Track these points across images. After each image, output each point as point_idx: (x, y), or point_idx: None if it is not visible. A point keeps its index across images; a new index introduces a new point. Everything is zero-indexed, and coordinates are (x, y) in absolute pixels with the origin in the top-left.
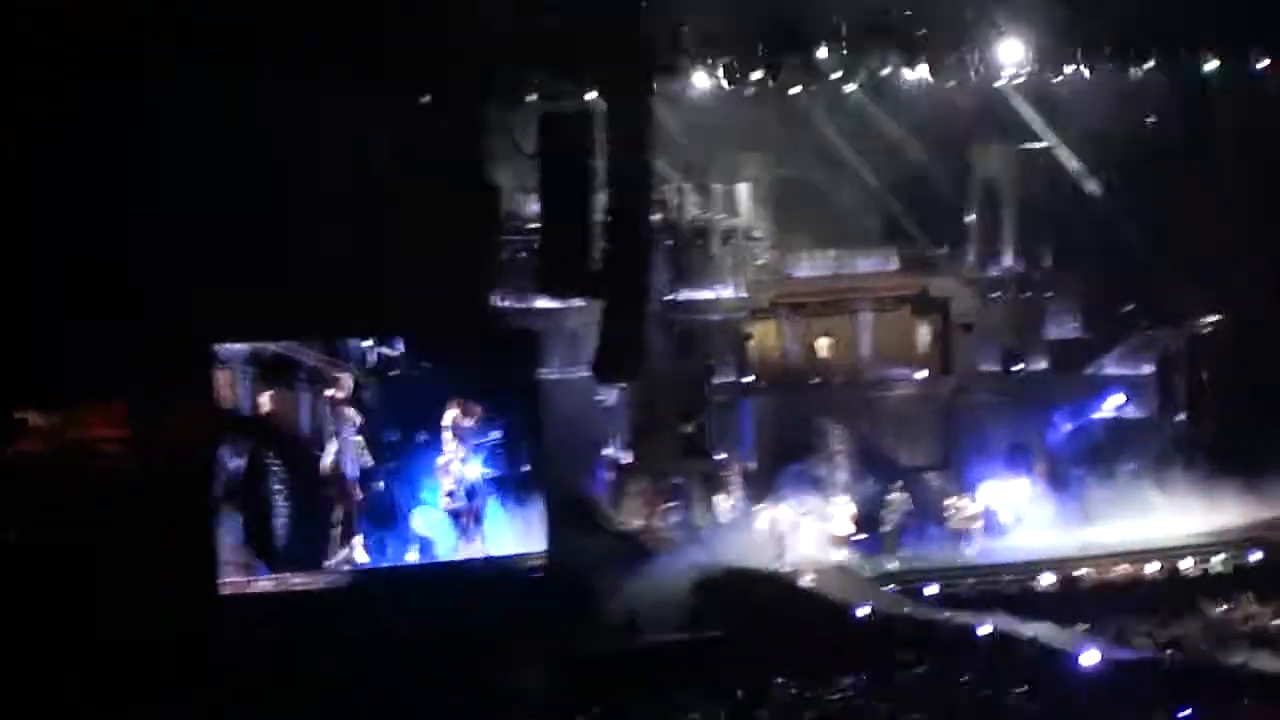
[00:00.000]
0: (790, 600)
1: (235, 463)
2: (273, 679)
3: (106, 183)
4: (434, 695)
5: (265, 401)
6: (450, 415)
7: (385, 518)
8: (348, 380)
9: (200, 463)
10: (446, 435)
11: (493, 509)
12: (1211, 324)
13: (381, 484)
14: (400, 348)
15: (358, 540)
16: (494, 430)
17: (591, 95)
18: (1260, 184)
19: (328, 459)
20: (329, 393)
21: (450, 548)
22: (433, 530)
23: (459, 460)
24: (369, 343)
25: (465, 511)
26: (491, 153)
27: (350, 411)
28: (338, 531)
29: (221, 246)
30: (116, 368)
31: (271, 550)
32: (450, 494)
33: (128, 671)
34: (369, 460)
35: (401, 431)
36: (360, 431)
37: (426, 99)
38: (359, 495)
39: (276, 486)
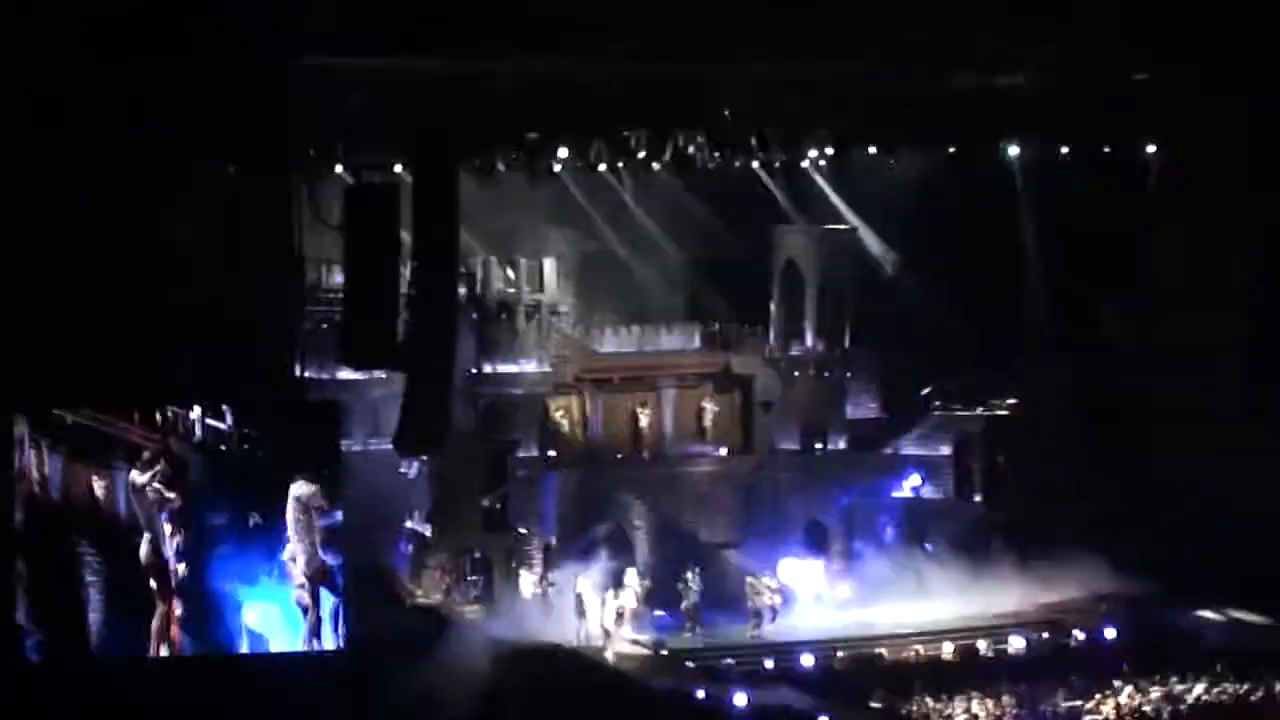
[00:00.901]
0: (587, 677)
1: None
2: None
3: None
4: None
5: (96, 486)
6: (296, 489)
7: (209, 614)
8: (158, 457)
9: None
10: (291, 515)
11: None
12: (1009, 408)
13: (206, 574)
14: (230, 421)
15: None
16: (336, 511)
17: (399, 168)
18: (1059, 270)
19: (144, 547)
20: (134, 474)
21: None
22: (268, 627)
23: (304, 544)
24: (195, 415)
25: (311, 604)
26: (298, 224)
27: (166, 493)
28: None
29: (20, 315)
30: None
31: (81, 652)
32: (300, 584)
33: None
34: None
35: (230, 513)
36: (180, 514)
37: (232, 171)
38: (178, 588)
39: (90, 578)
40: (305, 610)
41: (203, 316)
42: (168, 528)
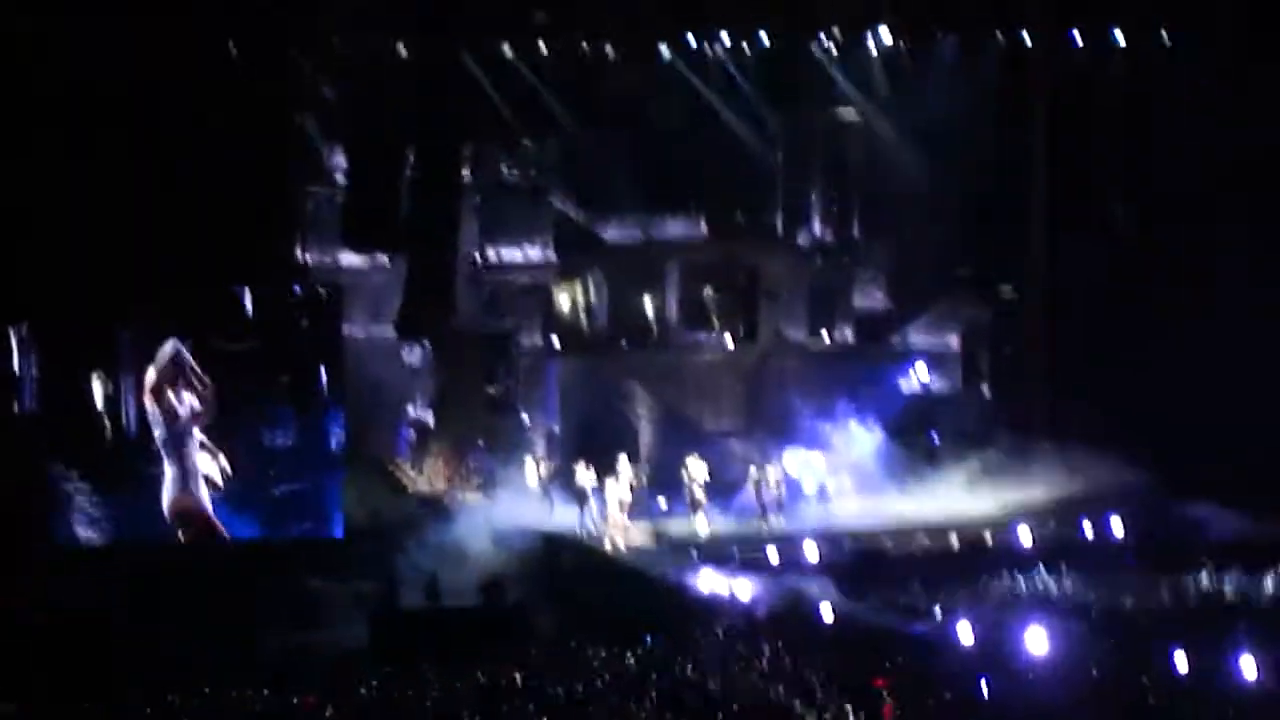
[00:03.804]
0: (588, 564)
1: None
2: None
3: None
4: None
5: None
6: None
7: None
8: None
9: None
10: None
11: None
12: (1014, 297)
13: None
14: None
15: None
16: None
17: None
18: (1072, 160)
19: (167, 492)
20: (150, 376)
21: None
22: None
23: None
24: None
25: None
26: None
27: (191, 403)
28: None
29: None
30: None
31: None
32: None
33: None
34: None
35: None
36: (212, 433)
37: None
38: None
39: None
40: None
41: (206, 199)
42: (191, 457)
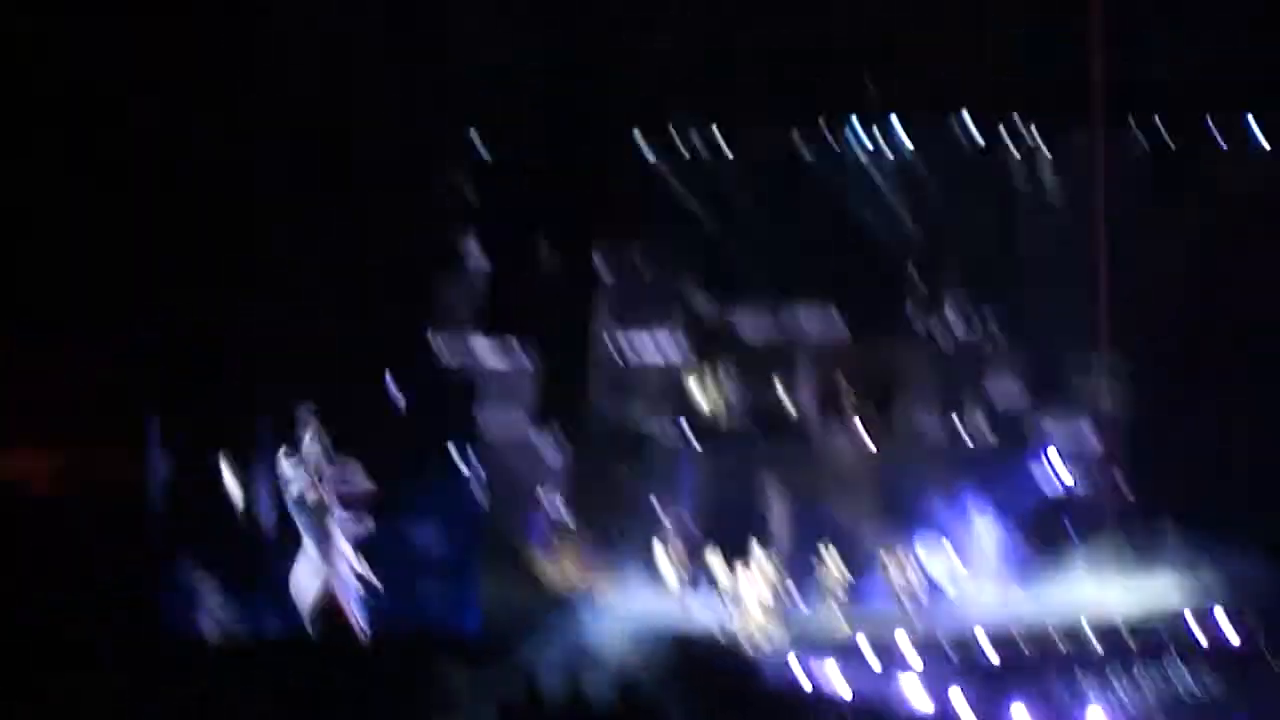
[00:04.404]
0: (730, 664)
1: None
2: None
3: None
4: None
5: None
6: None
7: None
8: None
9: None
10: None
11: None
12: (1154, 394)
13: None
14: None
15: None
16: None
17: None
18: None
19: (301, 581)
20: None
21: None
22: None
23: None
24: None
25: None
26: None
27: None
28: None
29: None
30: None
31: None
32: None
33: None
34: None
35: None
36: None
37: None
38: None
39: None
40: None
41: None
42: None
